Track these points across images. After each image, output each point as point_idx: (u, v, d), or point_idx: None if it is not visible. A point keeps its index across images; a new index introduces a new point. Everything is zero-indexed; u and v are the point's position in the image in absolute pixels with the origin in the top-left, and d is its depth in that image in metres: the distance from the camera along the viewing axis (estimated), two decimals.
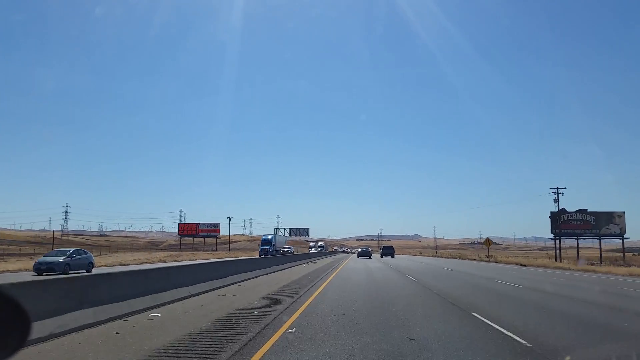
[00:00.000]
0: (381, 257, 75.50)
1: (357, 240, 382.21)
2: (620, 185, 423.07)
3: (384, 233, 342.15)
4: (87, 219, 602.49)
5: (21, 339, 1.79)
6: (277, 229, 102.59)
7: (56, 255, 27.53)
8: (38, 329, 7.02)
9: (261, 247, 68.95)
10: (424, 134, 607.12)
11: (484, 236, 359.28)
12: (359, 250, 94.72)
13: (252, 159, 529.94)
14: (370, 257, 74.35)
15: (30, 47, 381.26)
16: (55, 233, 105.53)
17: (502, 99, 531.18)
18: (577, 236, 64.74)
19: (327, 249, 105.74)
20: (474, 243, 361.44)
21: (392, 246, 79.05)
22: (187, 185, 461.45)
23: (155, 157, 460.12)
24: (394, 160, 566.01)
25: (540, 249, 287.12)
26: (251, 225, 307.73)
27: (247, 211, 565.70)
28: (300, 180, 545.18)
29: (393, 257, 74.79)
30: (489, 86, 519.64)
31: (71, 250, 29.27)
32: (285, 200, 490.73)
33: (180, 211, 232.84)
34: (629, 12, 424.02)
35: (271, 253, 63.20)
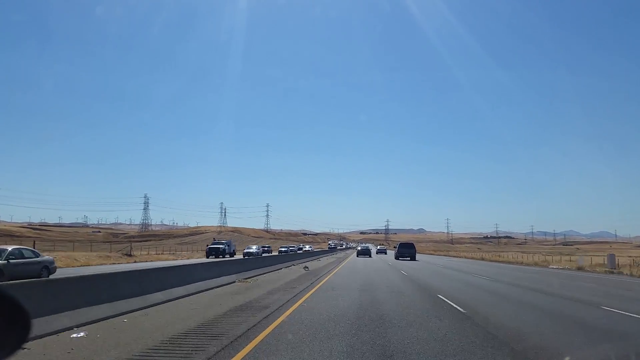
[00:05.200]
0: (396, 258, 49.59)
1: (361, 233, 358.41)
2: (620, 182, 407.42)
3: (388, 227, 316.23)
4: (76, 212, 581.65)
5: (21, 338, 1.76)
6: None
7: None
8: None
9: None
10: (429, 129, 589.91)
11: (501, 230, 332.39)
12: (359, 248, 75.25)
13: (256, 153, 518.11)
14: (371, 256, 59.77)
15: (33, 45, 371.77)
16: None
17: (508, 96, 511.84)
18: None
19: (265, 252, 51.60)
20: (487, 237, 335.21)
21: (412, 243, 52.41)
22: (188, 180, 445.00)
23: (157, 152, 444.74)
24: (398, 155, 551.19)
25: (564, 244, 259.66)
26: (225, 214, 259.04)
27: (249, 205, 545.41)
28: (303, 175, 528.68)
29: (414, 258, 48.78)
30: (494, 82, 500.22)
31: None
32: (287, 195, 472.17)
33: (145, 196, 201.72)
34: (631, 12, 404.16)
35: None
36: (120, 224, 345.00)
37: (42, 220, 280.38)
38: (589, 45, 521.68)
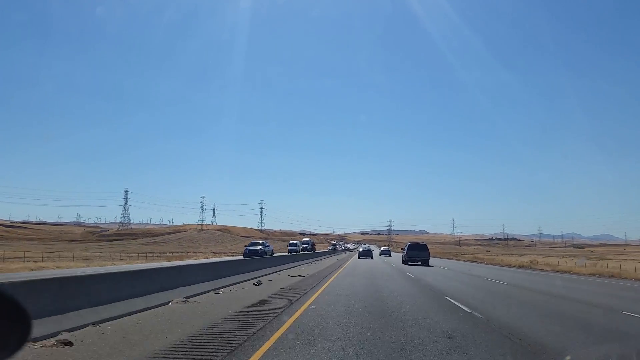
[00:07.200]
0: (404, 263, 40.07)
1: (362, 234, 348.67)
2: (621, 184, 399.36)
3: (391, 228, 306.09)
4: (72, 210, 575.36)
5: (22, 338, 1.74)
6: None
7: None
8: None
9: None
10: (432, 130, 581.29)
11: (508, 232, 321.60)
12: (360, 249, 68.40)
13: (256, 152, 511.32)
14: (373, 258, 56.30)
15: (35, 44, 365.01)
16: None
17: (513, 97, 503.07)
18: None
19: None
20: (492, 239, 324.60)
21: (424, 244, 42.50)
22: (186, 179, 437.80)
23: (154, 151, 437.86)
24: (400, 156, 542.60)
25: (574, 246, 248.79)
26: (215, 211, 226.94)
27: (247, 203, 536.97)
28: (303, 175, 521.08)
29: (427, 264, 39.27)
30: (498, 83, 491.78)
31: None
32: (287, 195, 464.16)
33: (125, 191, 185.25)
34: (634, 12, 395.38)
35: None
36: (119, 223, 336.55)
37: (40, 219, 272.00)
38: (593, 47, 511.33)
